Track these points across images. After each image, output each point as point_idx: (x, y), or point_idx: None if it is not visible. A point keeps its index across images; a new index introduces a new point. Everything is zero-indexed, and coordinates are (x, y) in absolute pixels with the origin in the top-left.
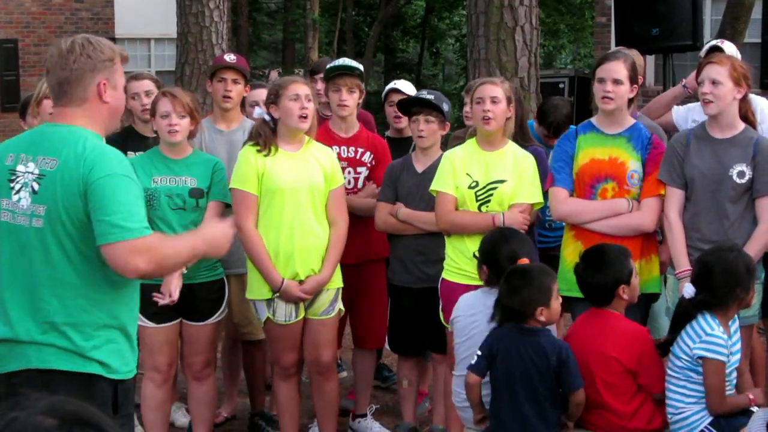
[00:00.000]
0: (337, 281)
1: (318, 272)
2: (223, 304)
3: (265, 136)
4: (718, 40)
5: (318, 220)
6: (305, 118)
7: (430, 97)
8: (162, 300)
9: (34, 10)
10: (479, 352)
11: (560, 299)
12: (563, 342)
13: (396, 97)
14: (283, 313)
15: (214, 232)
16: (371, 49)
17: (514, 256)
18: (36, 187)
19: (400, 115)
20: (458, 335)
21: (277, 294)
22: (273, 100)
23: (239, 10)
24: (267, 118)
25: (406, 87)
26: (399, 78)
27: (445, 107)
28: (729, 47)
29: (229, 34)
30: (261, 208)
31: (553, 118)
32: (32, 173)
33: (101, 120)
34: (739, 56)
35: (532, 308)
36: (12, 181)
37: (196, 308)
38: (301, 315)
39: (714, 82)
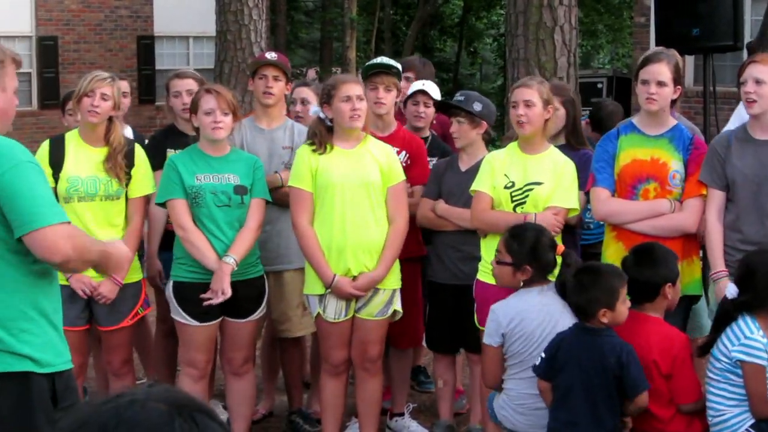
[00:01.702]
0: (395, 282)
1: (372, 270)
2: (264, 301)
3: (321, 135)
4: None
5: (375, 216)
6: (357, 117)
7: (460, 98)
8: (215, 300)
9: (74, 8)
10: (543, 355)
11: (628, 303)
12: (625, 343)
13: (421, 98)
14: (334, 310)
15: (120, 249)
16: (409, 49)
17: (554, 244)
18: None
19: (422, 115)
20: (524, 343)
21: (329, 290)
22: (326, 100)
23: (277, 9)
24: (322, 116)
25: (431, 89)
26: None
27: (477, 107)
28: None
29: (267, 33)
30: (316, 205)
31: (607, 126)
32: None
33: None
34: None
35: (596, 308)
36: None
37: (239, 305)
38: (351, 313)
39: (758, 82)
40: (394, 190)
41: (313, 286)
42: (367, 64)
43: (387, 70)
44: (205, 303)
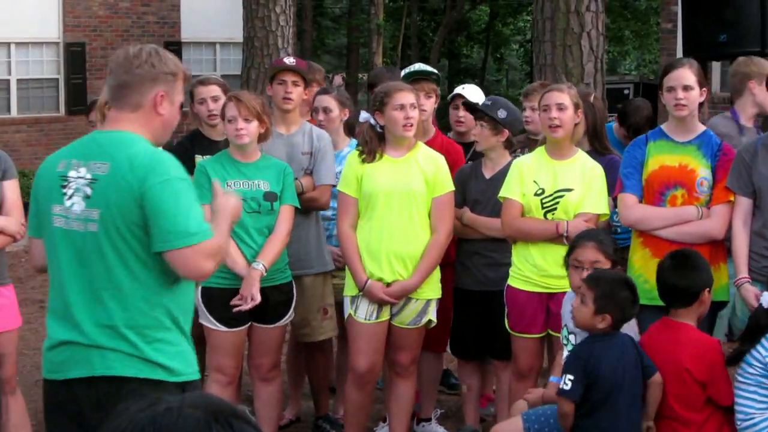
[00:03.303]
0: (430, 292)
1: (407, 278)
2: (292, 307)
3: (372, 144)
4: None
5: (417, 226)
6: (410, 126)
7: (487, 103)
8: (244, 306)
9: (101, 14)
10: (571, 377)
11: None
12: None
13: (459, 102)
14: (365, 311)
15: (225, 204)
16: (435, 55)
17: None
18: (89, 191)
19: (462, 119)
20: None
21: (362, 293)
22: (378, 107)
23: (304, 15)
24: (373, 122)
25: (471, 92)
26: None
27: (501, 114)
28: None
29: (294, 39)
30: (360, 211)
31: (633, 120)
32: (84, 178)
33: (152, 130)
34: None
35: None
36: (64, 186)
37: (267, 311)
38: (384, 317)
39: None
40: (440, 200)
41: (349, 288)
42: (405, 71)
43: (427, 76)
44: (235, 309)
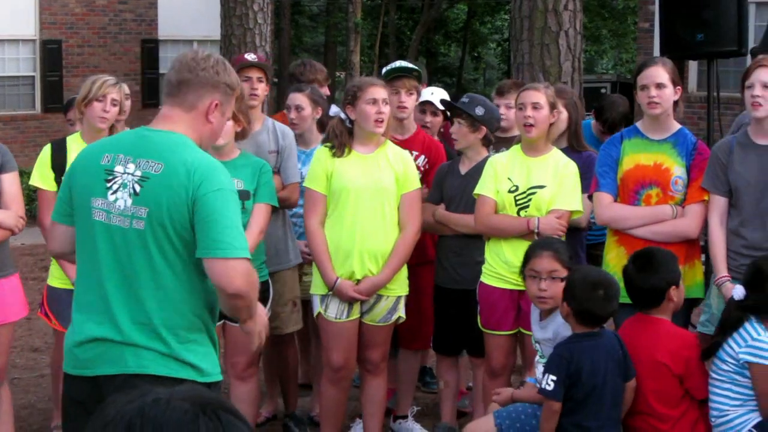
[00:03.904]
0: (400, 288)
1: (376, 274)
2: (268, 305)
3: (341, 138)
4: None
5: (385, 223)
6: (381, 122)
7: (465, 100)
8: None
9: (78, 12)
10: (554, 378)
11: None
12: (613, 331)
13: (428, 108)
14: (335, 310)
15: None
16: (413, 53)
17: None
18: (138, 188)
19: (427, 124)
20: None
21: (332, 291)
22: (350, 101)
23: (282, 13)
24: (343, 116)
25: (439, 95)
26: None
27: (478, 112)
28: None
29: (272, 37)
30: (330, 207)
31: (609, 115)
32: (133, 175)
33: (200, 135)
34: None
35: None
36: (109, 181)
37: None
38: (354, 316)
39: (766, 86)
40: (409, 197)
41: (317, 286)
42: (386, 68)
43: (408, 73)
44: None
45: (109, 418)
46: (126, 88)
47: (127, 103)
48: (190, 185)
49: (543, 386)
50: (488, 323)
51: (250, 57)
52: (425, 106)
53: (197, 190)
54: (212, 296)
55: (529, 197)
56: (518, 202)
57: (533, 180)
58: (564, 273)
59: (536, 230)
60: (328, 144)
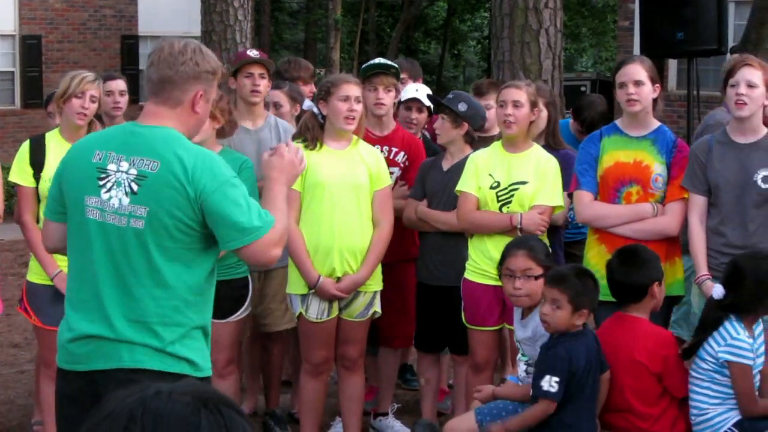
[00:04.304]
0: (376, 284)
1: (356, 272)
2: (246, 302)
3: (314, 131)
4: None
5: (361, 219)
6: (352, 119)
7: (449, 96)
8: None
9: (58, 7)
10: (557, 379)
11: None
12: (589, 328)
13: (413, 104)
14: (316, 310)
15: (281, 165)
16: (393, 51)
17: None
18: (135, 187)
19: (413, 121)
20: None
21: (313, 290)
22: (323, 96)
23: (262, 10)
24: (316, 111)
25: (423, 91)
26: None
27: (461, 108)
28: None
29: (252, 33)
30: (303, 204)
31: (588, 114)
32: (127, 173)
33: (188, 127)
34: None
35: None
36: (102, 179)
37: (218, 306)
38: (334, 314)
39: (750, 85)
40: (381, 194)
41: (296, 286)
42: (365, 65)
43: (386, 70)
44: None
45: (110, 409)
46: (122, 84)
47: (123, 99)
48: (191, 184)
49: (546, 389)
50: (473, 319)
51: (252, 53)
52: (411, 103)
53: (202, 190)
54: (211, 291)
55: (512, 193)
56: (500, 198)
57: (515, 176)
58: (539, 271)
59: (519, 226)
60: (300, 138)
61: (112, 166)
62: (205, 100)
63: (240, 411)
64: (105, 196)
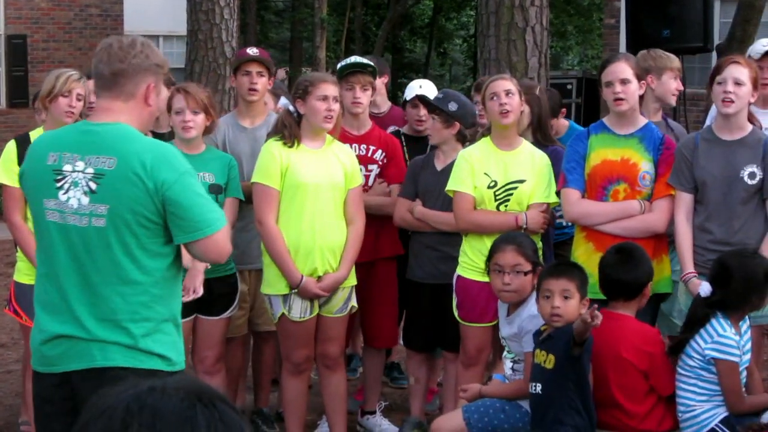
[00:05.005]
0: (352, 279)
1: (335, 270)
2: (236, 299)
3: (291, 129)
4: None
5: (337, 218)
6: (330, 119)
7: (439, 96)
8: (186, 297)
9: (44, 6)
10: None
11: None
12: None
13: (420, 102)
14: (299, 309)
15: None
16: (379, 49)
17: None
18: (93, 186)
19: (423, 118)
20: None
21: (295, 290)
22: (300, 95)
23: (247, 8)
24: (292, 109)
25: (428, 88)
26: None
27: (451, 107)
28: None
29: (238, 32)
30: (282, 204)
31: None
32: (84, 173)
33: (142, 121)
34: None
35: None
36: (58, 180)
37: (212, 303)
38: (315, 312)
39: (737, 83)
40: (355, 192)
41: (275, 286)
42: (341, 63)
43: (363, 69)
44: (185, 300)
45: (106, 406)
46: None
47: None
48: (150, 178)
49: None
50: (469, 316)
51: (251, 51)
52: (416, 101)
53: (161, 184)
54: (178, 285)
55: (510, 192)
56: (498, 198)
57: (512, 175)
58: (528, 267)
59: (525, 226)
60: (277, 136)
61: (67, 167)
62: (156, 93)
63: (233, 406)
64: (63, 198)
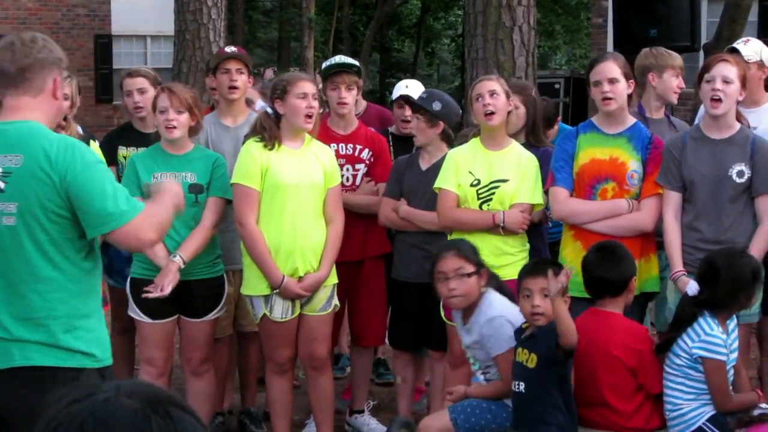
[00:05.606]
0: (333, 277)
1: (316, 270)
2: (222, 302)
3: (271, 130)
4: (743, 40)
5: (318, 218)
6: (310, 117)
7: (423, 96)
8: (153, 294)
9: (31, 6)
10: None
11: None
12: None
13: (405, 102)
14: (281, 310)
15: (169, 186)
16: (367, 49)
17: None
18: (2, 185)
19: (408, 119)
20: None
21: (276, 291)
22: (279, 95)
23: (235, 8)
24: (270, 111)
25: (414, 88)
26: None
27: (435, 107)
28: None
29: (225, 32)
30: (263, 205)
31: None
32: None
33: (50, 116)
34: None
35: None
36: None
37: (194, 305)
38: (297, 312)
39: (726, 81)
40: (334, 191)
41: (256, 287)
42: (326, 64)
43: (348, 68)
44: (143, 296)
45: (59, 419)
46: (142, 82)
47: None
48: (55, 172)
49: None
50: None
51: (228, 49)
52: (402, 101)
53: (65, 176)
54: (96, 278)
55: (492, 191)
56: (480, 196)
57: (495, 174)
58: (471, 269)
59: (501, 224)
60: (257, 137)
61: None
62: (61, 87)
63: (188, 409)
64: None
